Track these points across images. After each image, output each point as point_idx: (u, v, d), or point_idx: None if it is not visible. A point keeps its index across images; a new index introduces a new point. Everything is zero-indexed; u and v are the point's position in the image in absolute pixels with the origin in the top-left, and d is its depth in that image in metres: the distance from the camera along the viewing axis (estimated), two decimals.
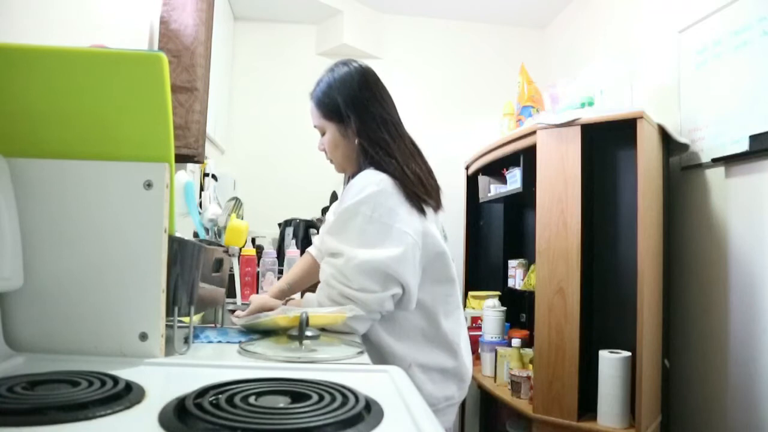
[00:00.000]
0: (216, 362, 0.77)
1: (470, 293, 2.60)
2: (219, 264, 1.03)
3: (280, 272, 1.71)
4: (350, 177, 1.18)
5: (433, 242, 1.12)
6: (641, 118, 1.73)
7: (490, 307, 2.32)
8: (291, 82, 3.01)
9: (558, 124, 1.87)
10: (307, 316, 0.86)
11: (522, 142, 2.09)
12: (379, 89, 1.20)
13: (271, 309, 1.07)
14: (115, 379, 0.56)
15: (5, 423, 0.44)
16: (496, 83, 3.17)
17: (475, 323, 2.44)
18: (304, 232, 2.50)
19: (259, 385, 0.55)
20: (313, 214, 2.68)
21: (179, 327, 0.79)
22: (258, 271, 1.69)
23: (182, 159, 1.78)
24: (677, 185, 2.09)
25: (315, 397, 0.52)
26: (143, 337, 0.71)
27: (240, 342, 0.88)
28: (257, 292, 1.66)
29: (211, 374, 0.62)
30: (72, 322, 0.71)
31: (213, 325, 1.10)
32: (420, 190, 1.12)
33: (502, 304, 2.36)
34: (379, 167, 1.11)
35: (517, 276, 2.37)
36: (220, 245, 1.28)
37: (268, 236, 2.76)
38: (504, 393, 2.10)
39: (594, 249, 1.86)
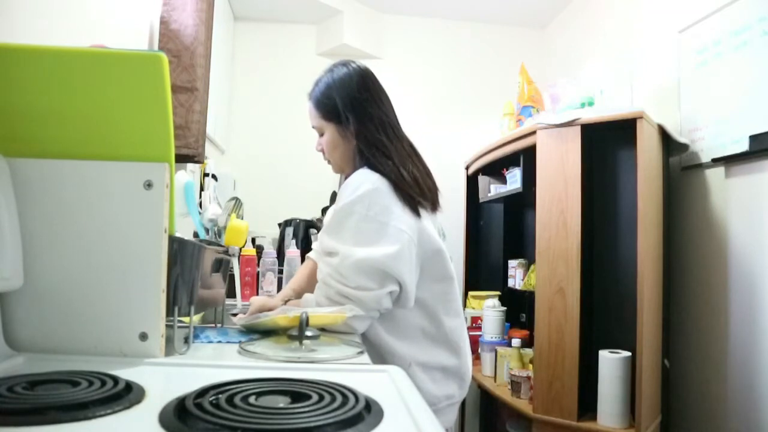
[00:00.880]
0: (216, 362, 0.77)
1: (470, 293, 2.60)
2: (219, 264, 1.03)
3: (280, 272, 1.71)
4: (347, 178, 1.18)
5: (430, 239, 1.12)
6: (641, 118, 1.73)
7: (490, 307, 2.33)
8: (291, 82, 3.00)
9: (558, 124, 1.87)
10: (307, 316, 0.86)
11: (522, 142, 2.09)
12: (378, 91, 1.20)
13: (271, 309, 1.07)
14: (115, 379, 0.56)
15: (5, 423, 0.44)
16: (496, 83, 3.16)
17: (475, 323, 2.44)
18: (304, 232, 2.50)
19: (259, 385, 0.55)
20: (313, 214, 2.67)
21: (179, 327, 0.79)
22: (258, 271, 1.69)
23: (182, 159, 1.78)
24: (677, 185, 2.09)
25: (315, 397, 0.52)
26: (143, 337, 0.71)
27: (240, 342, 0.88)
28: (257, 293, 1.66)
29: (211, 374, 0.63)
30: (72, 322, 0.71)
31: (213, 325, 1.10)
32: (415, 191, 1.12)
33: (502, 304, 2.36)
34: (375, 168, 1.11)
35: (517, 276, 2.37)
36: (220, 245, 1.28)
37: (268, 236, 2.76)
38: (504, 393, 2.10)
39: (594, 249, 1.86)
